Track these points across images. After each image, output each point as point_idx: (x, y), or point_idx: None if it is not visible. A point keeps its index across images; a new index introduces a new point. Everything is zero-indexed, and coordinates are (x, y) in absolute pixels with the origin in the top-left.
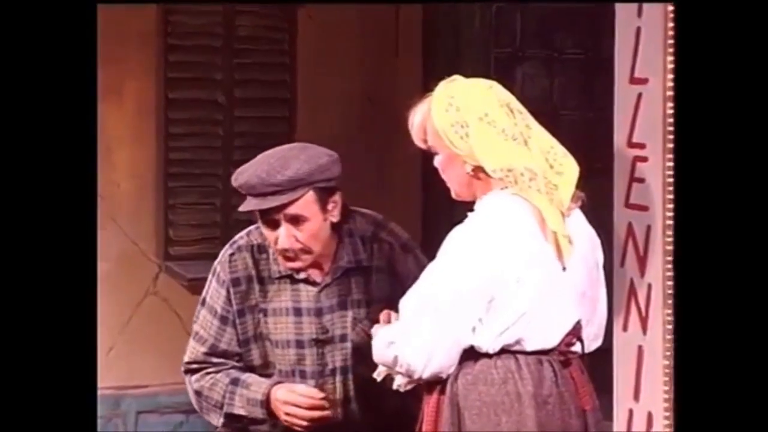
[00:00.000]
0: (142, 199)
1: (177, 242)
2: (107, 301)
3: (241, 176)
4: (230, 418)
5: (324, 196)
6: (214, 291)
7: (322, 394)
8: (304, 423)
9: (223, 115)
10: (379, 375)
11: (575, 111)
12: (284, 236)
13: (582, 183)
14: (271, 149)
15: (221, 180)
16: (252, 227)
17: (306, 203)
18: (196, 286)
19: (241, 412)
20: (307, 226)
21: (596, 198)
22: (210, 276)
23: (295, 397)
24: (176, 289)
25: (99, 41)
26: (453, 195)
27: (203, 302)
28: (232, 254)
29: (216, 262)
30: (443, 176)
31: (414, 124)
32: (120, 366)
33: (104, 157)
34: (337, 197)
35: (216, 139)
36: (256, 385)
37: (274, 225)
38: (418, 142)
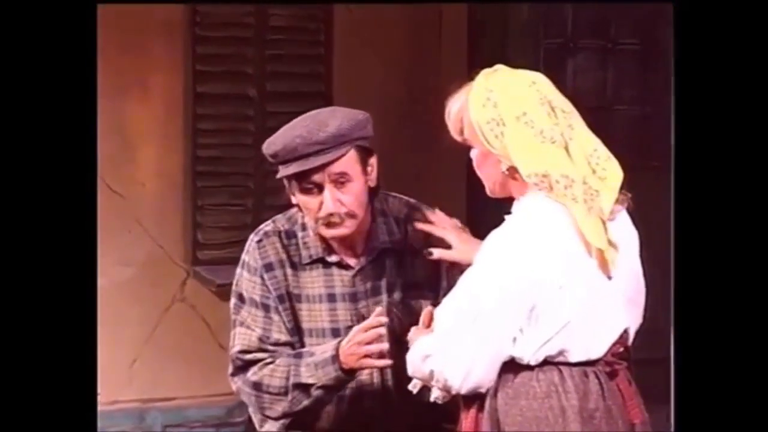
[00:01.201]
0: (168, 199)
1: (206, 246)
2: (131, 309)
3: (276, 142)
4: (297, 394)
5: (364, 156)
6: (247, 282)
7: (383, 319)
8: (383, 358)
9: (254, 111)
10: (414, 387)
11: (631, 106)
12: (330, 199)
13: (637, 181)
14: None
15: (252, 179)
16: (277, 216)
17: (350, 161)
18: (226, 292)
19: (310, 380)
20: (351, 188)
21: (653, 198)
22: (239, 269)
23: (364, 335)
24: (205, 296)
25: (122, 32)
26: (488, 192)
27: (240, 297)
28: (259, 241)
29: (243, 254)
30: (478, 172)
31: (451, 115)
32: (145, 377)
33: (128, 155)
34: (374, 160)
35: (247, 135)
36: (321, 349)
37: (317, 189)
38: (454, 133)
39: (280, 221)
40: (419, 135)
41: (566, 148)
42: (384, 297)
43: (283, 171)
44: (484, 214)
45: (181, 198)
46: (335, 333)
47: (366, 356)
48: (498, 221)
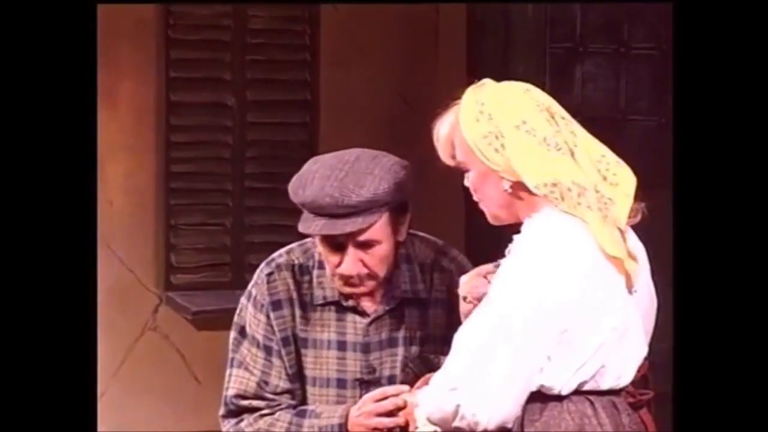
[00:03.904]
0: (138, 219)
1: (180, 269)
2: (99, 339)
3: (304, 192)
4: None
5: (397, 216)
6: (251, 318)
7: (405, 388)
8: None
9: (233, 121)
10: None
11: (646, 116)
12: (351, 262)
13: (653, 200)
14: (328, 155)
15: (231, 197)
16: (293, 245)
17: (381, 227)
18: (201, 320)
19: None
20: (377, 250)
21: (670, 216)
22: (244, 300)
23: (381, 406)
24: (179, 324)
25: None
26: (489, 219)
27: (242, 331)
28: (270, 274)
29: (250, 285)
30: (476, 197)
31: (440, 138)
32: (114, 413)
33: None
34: (407, 216)
35: (225, 148)
36: (328, 411)
37: (339, 247)
38: (445, 158)
39: (295, 253)
40: (414, 147)
41: (572, 156)
42: (400, 350)
43: (307, 227)
44: (485, 236)
45: (152, 217)
46: (341, 384)
47: (376, 429)
48: (499, 247)
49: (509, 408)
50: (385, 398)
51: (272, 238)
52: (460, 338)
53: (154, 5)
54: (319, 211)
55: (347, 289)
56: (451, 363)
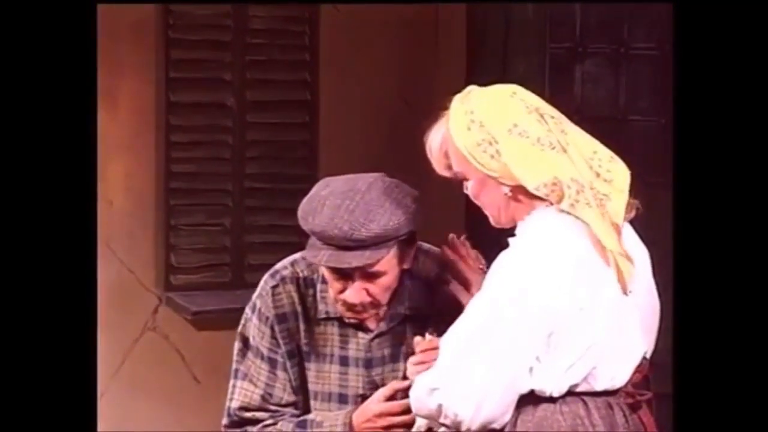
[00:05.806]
0: (138, 219)
1: (179, 270)
2: (99, 339)
3: (313, 220)
4: None
5: (405, 247)
6: (255, 330)
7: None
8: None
9: (233, 122)
10: (419, 429)
11: (646, 117)
12: (355, 291)
13: (654, 200)
14: (339, 180)
15: (231, 197)
16: (297, 256)
17: (388, 259)
18: (201, 320)
19: None
20: (382, 280)
21: (670, 216)
22: (248, 311)
23: (389, 406)
24: (179, 325)
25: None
26: (492, 222)
27: (246, 343)
28: (275, 286)
29: (255, 296)
30: (477, 203)
31: (433, 150)
32: (113, 414)
33: None
34: (415, 246)
35: (225, 149)
36: (329, 419)
37: (345, 276)
38: (441, 170)
39: (300, 265)
40: (414, 147)
41: (566, 153)
42: (402, 365)
43: (314, 255)
44: (485, 240)
45: (152, 217)
46: (342, 399)
47: (389, 427)
48: (501, 250)
49: (493, 408)
50: (394, 395)
51: (272, 238)
52: (445, 341)
53: (154, 5)
54: (327, 241)
55: (349, 314)
56: (436, 363)
